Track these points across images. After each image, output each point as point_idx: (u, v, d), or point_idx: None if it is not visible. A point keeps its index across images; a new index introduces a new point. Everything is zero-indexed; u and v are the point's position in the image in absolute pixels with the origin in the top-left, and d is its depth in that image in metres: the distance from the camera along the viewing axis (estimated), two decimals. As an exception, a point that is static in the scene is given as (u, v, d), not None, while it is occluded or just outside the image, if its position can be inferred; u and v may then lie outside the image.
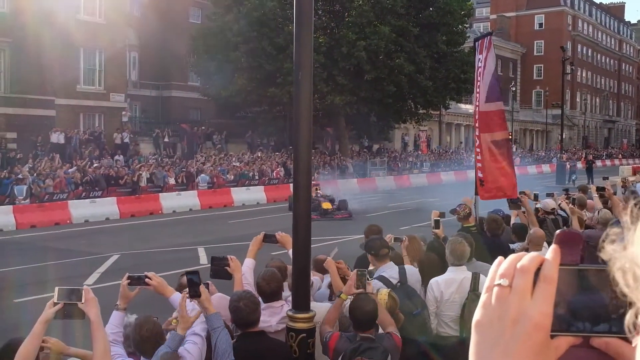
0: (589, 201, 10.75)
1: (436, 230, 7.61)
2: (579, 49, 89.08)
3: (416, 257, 6.52)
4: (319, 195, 23.77)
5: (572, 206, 9.73)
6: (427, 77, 39.85)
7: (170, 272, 11.32)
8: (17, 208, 22.13)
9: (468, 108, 57.11)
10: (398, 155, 48.29)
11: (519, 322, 0.80)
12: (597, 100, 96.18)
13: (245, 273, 5.14)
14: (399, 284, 5.73)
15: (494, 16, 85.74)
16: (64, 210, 23.12)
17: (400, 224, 19.77)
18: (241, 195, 28.81)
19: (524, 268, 0.83)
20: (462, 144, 63.76)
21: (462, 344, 5.52)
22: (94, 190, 25.66)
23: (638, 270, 0.78)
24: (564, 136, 55.75)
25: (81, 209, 23.47)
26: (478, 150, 10.24)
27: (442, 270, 5.97)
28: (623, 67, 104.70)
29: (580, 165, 49.01)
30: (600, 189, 10.75)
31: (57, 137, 30.91)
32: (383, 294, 5.03)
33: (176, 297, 4.23)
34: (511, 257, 0.86)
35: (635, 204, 0.80)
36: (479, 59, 10.96)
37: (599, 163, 59.08)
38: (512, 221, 9.18)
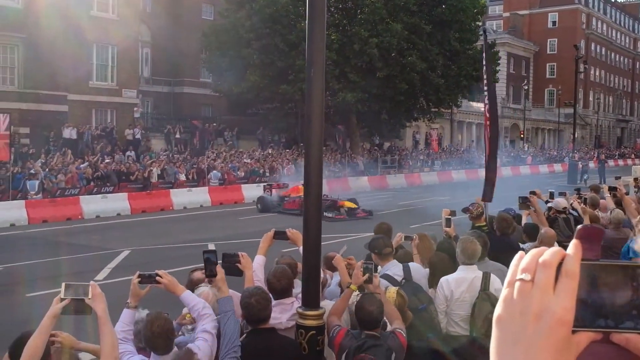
0: (601, 201, 10.67)
1: (447, 229, 7.58)
2: (593, 48, 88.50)
3: (427, 255, 6.50)
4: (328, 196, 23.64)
5: (584, 206, 9.66)
6: (439, 75, 39.74)
7: (180, 268, 11.36)
8: (29, 203, 22.27)
9: (480, 106, 56.89)
10: (409, 153, 48.18)
11: (542, 317, 0.80)
12: (611, 99, 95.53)
13: (256, 270, 5.15)
14: (403, 281, 5.73)
15: (506, 14, 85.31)
16: (76, 205, 23.26)
17: (410, 222, 19.72)
18: (252, 192, 28.85)
19: (546, 263, 0.82)
20: (473, 143, 63.54)
21: (472, 343, 5.51)
22: (106, 186, 25.78)
23: None
24: (576, 135, 55.38)
25: (93, 205, 23.59)
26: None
27: (453, 269, 5.95)
28: (637, 66, 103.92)
29: (592, 164, 48.74)
30: (613, 189, 10.66)
31: (69, 133, 31.06)
32: (391, 292, 5.05)
33: (187, 295, 4.24)
34: (532, 251, 0.85)
35: None
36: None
37: (611, 162, 58.74)
38: (524, 221, 9.11)
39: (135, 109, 37.23)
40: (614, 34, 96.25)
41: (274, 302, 4.72)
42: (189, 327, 4.64)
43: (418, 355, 5.10)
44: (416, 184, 38.58)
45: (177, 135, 37.78)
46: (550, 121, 78.71)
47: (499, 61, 47.04)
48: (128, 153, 31.71)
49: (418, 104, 43.21)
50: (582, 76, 69.14)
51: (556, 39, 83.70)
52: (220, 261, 4.64)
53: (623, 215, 8.53)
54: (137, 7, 37.86)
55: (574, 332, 0.81)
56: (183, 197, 26.58)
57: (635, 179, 18.04)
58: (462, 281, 5.63)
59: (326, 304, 5.04)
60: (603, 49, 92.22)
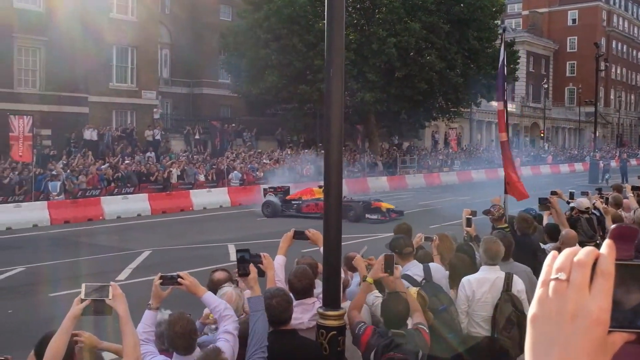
0: (624, 200, 10.55)
1: (468, 229, 7.54)
2: (614, 45, 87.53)
3: (447, 256, 6.46)
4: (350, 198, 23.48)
5: (606, 206, 9.56)
6: (458, 74, 39.52)
7: (200, 269, 11.43)
8: (51, 204, 22.52)
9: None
10: (428, 153, 47.99)
11: (579, 317, 0.80)
12: (632, 97, 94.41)
13: (277, 270, 5.16)
14: (423, 281, 5.72)
15: (526, 12, 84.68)
16: (97, 206, 23.47)
17: (430, 222, 19.65)
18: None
19: (581, 262, 0.82)
20: (493, 142, 63.14)
21: (494, 344, 5.48)
22: (126, 187, 25.98)
23: None
24: (597, 134, 54.80)
25: (113, 205, 23.79)
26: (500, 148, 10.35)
27: (473, 270, 5.92)
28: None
29: (614, 163, 48.18)
30: (636, 188, 10.55)
31: (90, 134, 31.36)
32: (412, 293, 5.04)
33: (208, 296, 4.26)
34: (566, 251, 0.85)
35: None
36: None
37: (633, 161, 58.03)
38: (545, 221, 9.02)
39: (154, 110, 37.48)
40: (635, 31, 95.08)
41: (295, 302, 4.72)
42: (213, 326, 4.66)
43: (439, 357, 5.09)
44: (435, 184, 38.42)
45: (197, 136, 37.96)
46: (571, 120, 77.99)
47: (518, 60, 46.67)
48: (148, 154, 31.93)
49: (437, 103, 43.01)
50: (603, 74, 68.40)
51: (576, 37, 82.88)
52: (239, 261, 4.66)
53: (647, 214, 8.43)
54: (156, 9, 38.13)
55: (609, 332, 0.80)
56: (203, 198, 26.70)
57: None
58: (484, 281, 5.59)
59: (347, 305, 5.04)
60: (624, 47, 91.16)
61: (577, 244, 6.06)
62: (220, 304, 4.22)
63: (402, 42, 36.65)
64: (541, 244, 7.97)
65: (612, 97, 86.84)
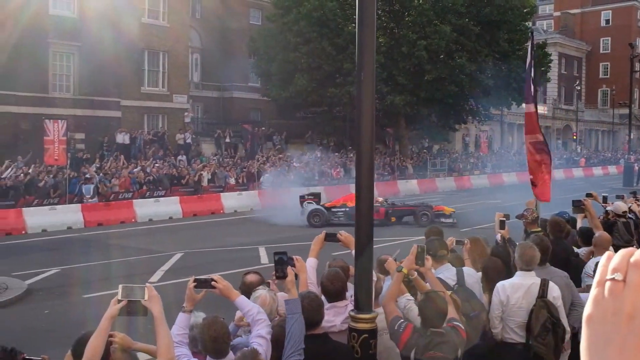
0: (660, 204, 10.36)
1: (501, 231, 7.46)
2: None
3: (480, 259, 6.40)
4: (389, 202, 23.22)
5: (643, 209, 9.39)
6: (488, 77, 39.15)
7: (232, 271, 11.49)
8: (85, 207, 22.86)
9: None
10: (459, 156, 47.64)
11: (636, 318, 0.79)
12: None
13: (308, 272, 5.17)
14: (456, 285, 5.67)
15: (557, 13, 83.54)
16: (129, 209, 23.76)
17: (461, 225, 19.52)
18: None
19: (638, 263, 0.81)
20: (524, 145, 62.41)
21: (528, 350, 5.41)
22: (158, 190, 26.27)
23: None
24: (631, 136, 53.85)
25: (145, 208, 24.07)
26: (525, 151, 10.27)
27: (507, 275, 5.85)
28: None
29: (649, 166, 47.20)
30: (672, 191, 10.34)
31: (122, 138, 31.78)
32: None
33: (241, 300, 4.29)
34: (622, 251, 0.84)
35: None
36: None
37: (669, 164, 56.86)
38: (579, 224, 8.89)
39: (185, 113, 37.84)
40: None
41: (327, 305, 4.72)
42: (247, 328, 4.68)
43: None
44: (466, 187, 38.13)
45: (227, 140, 38.22)
46: (604, 122, 76.76)
47: (549, 64, 46.06)
48: (179, 157, 32.24)
49: (467, 106, 42.67)
50: (638, 75, 67.20)
51: (610, 38, 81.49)
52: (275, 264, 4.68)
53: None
54: (187, 14, 38.52)
55: None
56: (233, 201, 26.87)
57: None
58: (519, 287, 5.52)
59: (379, 311, 5.02)
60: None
61: (610, 248, 5.96)
62: (253, 307, 4.24)
63: (432, 44, 36.46)
64: (575, 248, 7.86)
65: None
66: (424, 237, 6.78)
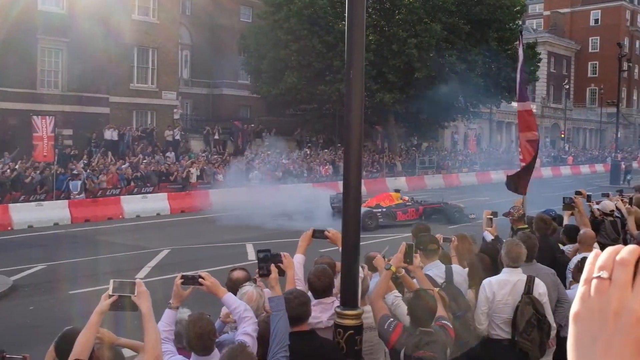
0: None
1: (488, 229, 7.49)
2: (637, 45, 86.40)
3: (466, 256, 6.42)
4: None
5: (629, 206, 9.43)
6: (478, 75, 39.27)
7: (219, 268, 11.48)
8: (72, 203, 22.75)
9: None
10: (447, 154, 47.77)
11: (622, 315, 0.80)
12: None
13: (296, 269, 5.16)
14: (444, 283, 5.68)
15: (547, 12, 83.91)
16: (117, 205, 23.67)
17: (449, 222, 19.56)
18: (290, 192, 28.85)
19: (624, 261, 0.82)
20: (512, 143, 62.71)
21: (514, 346, 5.43)
22: (146, 186, 26.17)
23: None
24: (619, 135, 54.19)
25: (133, 204, 23.98)
26: (519, 149, 10.30)
27: (493, 272, 5.87)
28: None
29: (635, 164, 47.63)
30: (658, 190, 10.41)
31: (110, 134, 31.61)
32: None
33: (228, 297, 4.27)
34: (609, 249, 0.85)
35: None
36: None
37: (656, 163, 57.27)
38: (565, 222, 8.93)
39: (174, 110, 37.70)
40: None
41: (314, 301, 4.72)
42: (233, 325, 4.67)
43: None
44: (454, 185, 38.24)
45: (216, 137, 38.13)
46: (592, 121, 77.22)
47: (539, 63, 46.25)
48: (168, 154, 32.13)
49: (457, 104, 42.78)
50: (626, 74, 67.66)
51: (598, 37, 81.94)
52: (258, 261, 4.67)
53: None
54: (177, 10, 38.36)
55: None
56: (222, 197, 26.75)
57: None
58: (505, 283, 5.55)
59: (367, 309, 5.02)
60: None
61: (596, 245, 5.98)
62: (239, 305, 4.23)
63: (423, 42, 36.52)
64: (560, 245, 7.90)
65: (634, 97, 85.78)
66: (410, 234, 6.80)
